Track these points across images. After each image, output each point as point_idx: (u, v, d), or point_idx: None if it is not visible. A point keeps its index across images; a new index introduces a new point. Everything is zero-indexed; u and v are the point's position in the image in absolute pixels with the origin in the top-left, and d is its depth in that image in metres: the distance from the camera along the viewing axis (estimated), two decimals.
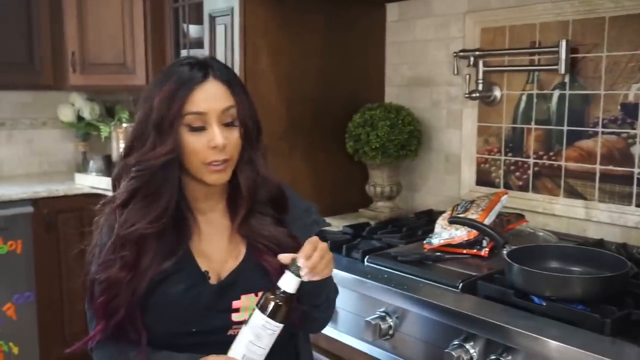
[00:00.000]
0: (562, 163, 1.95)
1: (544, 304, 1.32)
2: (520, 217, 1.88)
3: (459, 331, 1.36)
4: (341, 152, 2.33)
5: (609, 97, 1.83)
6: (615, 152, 1.83)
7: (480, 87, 2.08)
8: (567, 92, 1.92)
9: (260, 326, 1.08)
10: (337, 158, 2.36)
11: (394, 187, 2.32)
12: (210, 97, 1.14)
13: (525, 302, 1.35)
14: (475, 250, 1.69)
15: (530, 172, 2.04)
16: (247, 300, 1.18)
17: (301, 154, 2.31)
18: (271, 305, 1.09)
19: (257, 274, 1.20)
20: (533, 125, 2.02)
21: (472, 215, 1.75)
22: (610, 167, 1.84)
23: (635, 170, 1.78)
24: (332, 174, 2.39)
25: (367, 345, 1.59)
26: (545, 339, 1.20)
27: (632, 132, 1.79)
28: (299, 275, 1.11)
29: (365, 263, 1.71)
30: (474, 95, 2.07)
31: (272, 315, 1.09)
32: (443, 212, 1.90)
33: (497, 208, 1.79)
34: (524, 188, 2.07)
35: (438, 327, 1.41)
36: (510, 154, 2.09)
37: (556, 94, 1.95)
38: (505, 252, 1.44)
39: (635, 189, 1.79)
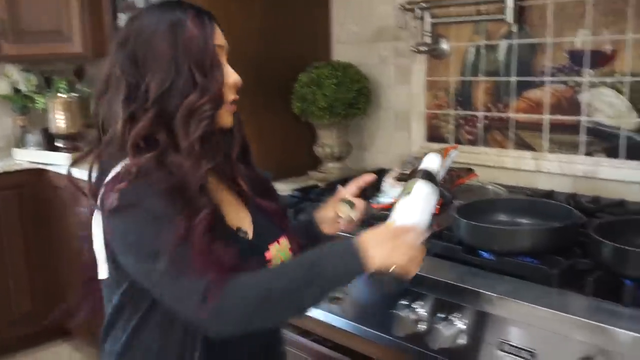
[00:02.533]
0: (511, 115, 1.91)
1: (493, 258, 1.28)
2: (469, 171, 1.84)
3: (406, 291, 1.32)
4: (288, 113, 2.25)
5: (556, 45, 1.78)
6: (563, 101, 1.79)
7: (427, 40, 2.02)
8: (515, 41, 1.87)
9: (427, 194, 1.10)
10: (284, 119, 2.28)
11: (343, 147, 2.26)
12: (220, 33, 1.11)
13: (474, 257, 1.31)
14: None
15: (480, 125, 2.00)
16: (275, 249, 1.15)
17: (245, 116, 2.21)
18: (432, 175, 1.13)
19: (267, 221, 1.19)
20: (481, 78, 1.97)
21: None
22: (558, 117, 1.81)
23: (583, 118, 1.76)
24: (278, 136, 2.31)
25: (319, 311, 1.54)
26: (493, 294, 1.17)
27: (579, 79, 1.75)
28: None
29: None
30: (421, 48, 2.00)
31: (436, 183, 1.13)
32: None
33: (446, 164, 1.74)
34: (474, 142, 2.03)
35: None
36: (459, 108, 2.05)
37: (504, 44, 1.90)
38: (452, 207, 1.40)
39: (583, 138, 1.77)
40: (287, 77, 2.23)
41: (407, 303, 1.31)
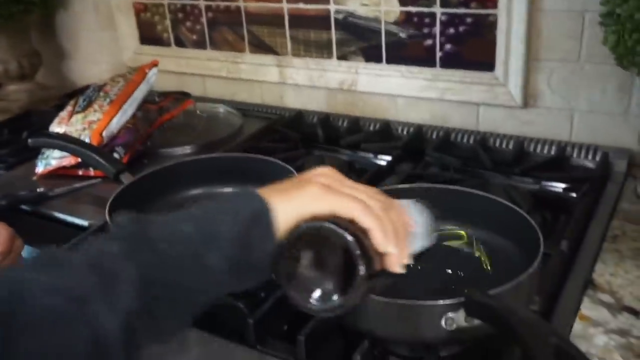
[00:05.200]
0: (241, 4, 1.33)
1: None
2: (182, 97, 1.28)
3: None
4: None
5: None
6: None
7: None
8: None
9: None
10: None
11: (24, 60, 1.56)
12: None
13: None
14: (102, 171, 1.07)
15: (204, 20, 1.41)
16: None
17: None
18: None
19: None
20: None
21: (94, 114, 1.10)
22: (301, 6, 1.26)
23: (332, 7, 1.23)
24: None
25: None
26: None
27: None
28: None
29: None
30: None
31: None
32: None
33: (140, 93, 1.15)
34: (200, 44, 1.44)
35: None
36: None
37: None
38: (111, 199, 0.84)
39: (334, 35, 1.25)
40: None
41: None
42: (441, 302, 0.58)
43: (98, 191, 1.05)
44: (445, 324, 0.58)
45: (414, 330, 0.60)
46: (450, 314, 0.57)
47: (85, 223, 0.95)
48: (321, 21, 1.25)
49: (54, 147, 0.98)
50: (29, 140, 0.97)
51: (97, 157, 0.91)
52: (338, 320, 0.67)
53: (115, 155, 1.07)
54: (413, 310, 0.59)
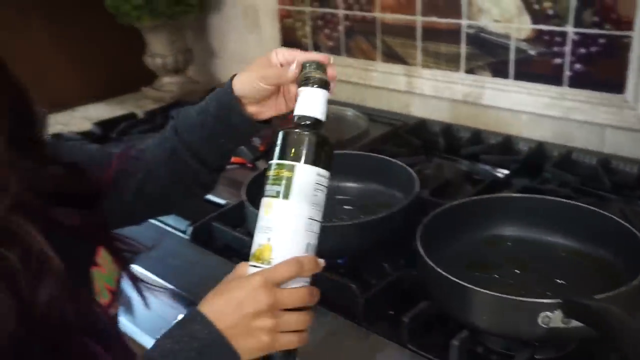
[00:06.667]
0: (377, 14, 1.42)
1: None
2: None
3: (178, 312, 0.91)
4: (102, 11, 1.69)
5: None
6: None
7: None
8: None
9: (313, 185, 0.57)
10: (98, 21, 1.72)
11: (179, 55, 1.74)
12: None
13: None
14: (241, 158, 1.20)
15: (341, 28, 1.50)
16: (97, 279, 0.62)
17: (42, 22, 1.66)
18: (311, 145, 0.57)
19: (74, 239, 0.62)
20: None
21: None
22: (434, 19, 1.32)
23: (463, 22, 1.28)
24: (96, 43, 1.76)
25: None
26: None
27: None
28: (325, 84, 0.61)
29: None
30: None
31: (319, 162, 0.58)
32: None
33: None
34: (335, 50, 1.54)
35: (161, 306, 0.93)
36: (316, 4, 1.53)
37: None
38: (247, 181, 0.95)
39: (463, 49, 1.30)
40: None
41: None
42: (540, 300, 0.62)
43: (234, 175, 1.17)
44: (542, 321, 0.62)
45: (512, 324, 0.65)
46: (547, 313, 0.61)
47: (222, 201, 1.07)
48: (452, 35, 1.30)
49: None
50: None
51: None
52: (440, 309, 0.73)
53: (254, 144, 1.19)
54: (513, 305, 0.64)
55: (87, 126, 1.54)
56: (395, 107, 1.46)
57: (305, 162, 0.56)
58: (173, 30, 1.71)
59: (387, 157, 1.01)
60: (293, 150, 0.57)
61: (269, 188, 0.57)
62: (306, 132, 0.58)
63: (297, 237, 0.56)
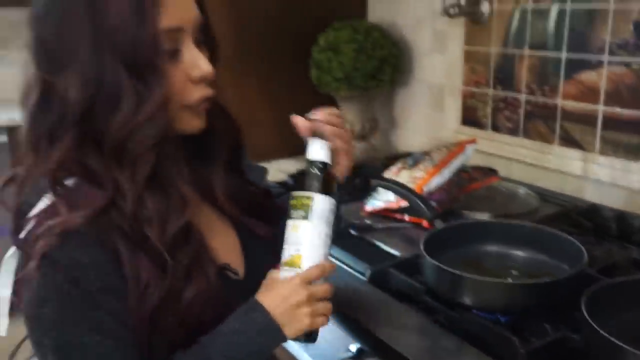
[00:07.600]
0: (559, 101, 1.50)
1: (455, 313, 0.96)
2: (490, 173, 1.47)
3: (348, 342, 1.04)
4: (307, 80, 1.95)
5: (619, 13, 1.34)
6: (622, 89, 1.35)
7: (462, 0, 1.62)
8: (568, 5, 1.43)
9: (327, 210, 0.83)
10: (302, 88, 1.97)
11: (366, 124, 1.94)
12: (181, 3, 0.75)
13: (436, 304, 0.99)
14: (417, 218, 1.32)
15: (521, 111, 1.60)
16: None
17: (256, 85, 1.95)
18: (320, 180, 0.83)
19: (262, 248, 0.92)
20: (526, 51, 1.55)
21: (419, 171, 1.36)
22: (616, 109, 1.38)
23: None
24: (295, 107, 2.00)
25: None
26: None
27: None
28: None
29: None
30: (451, 11, 1.61)
31: (328, 192, 0.84)
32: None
33: (457, 163, 1.39)
34: (514, 131, 1.63)
35: (332, 334, 1.07)
36: (499, 88, 1.65)
37: (554, 8, 1.47)
38: (426, 236, 1.07)
39: None
40: (309, 38, 1.92)
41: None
42: None
43: (408, 232, 1.30)
44: None
45: None
46: None
47: (396, 253, 1.20)
48: (634, 126, 1.34)
49: (389, 188, 1.26)
50: (373, 181, 1.27)
51: (420, 202, 1.15)
52: None
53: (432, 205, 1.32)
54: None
55: (280, 177, 1.76)
56: (568, 190, 1.51)
57: (320, 193, 0.81)
58: (364, 100, 1.91)
59: (557, 231, 1.07)
60: (312, 185, 0.82)
61: (295, 212, 0.81)
62: (319, 173, 0.82)
63: (319, 249, 0.81)
